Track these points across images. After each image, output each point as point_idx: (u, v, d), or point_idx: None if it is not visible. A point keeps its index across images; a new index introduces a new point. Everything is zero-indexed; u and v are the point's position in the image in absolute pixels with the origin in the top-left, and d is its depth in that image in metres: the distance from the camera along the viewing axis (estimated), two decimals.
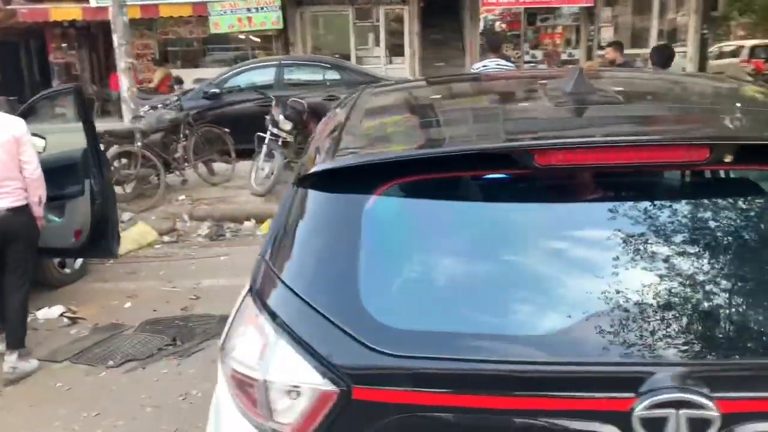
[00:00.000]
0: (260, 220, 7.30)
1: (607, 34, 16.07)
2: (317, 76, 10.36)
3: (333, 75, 10.39)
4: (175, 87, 12.30)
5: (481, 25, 16.50)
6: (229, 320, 1.52)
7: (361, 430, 1.20)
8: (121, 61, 7.70)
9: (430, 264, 1.32)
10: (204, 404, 3.60)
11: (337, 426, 1.20)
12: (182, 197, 7.83)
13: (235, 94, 10.15)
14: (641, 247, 1.25)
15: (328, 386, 1.20)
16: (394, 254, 1.33)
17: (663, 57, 6.57)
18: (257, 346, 1.29)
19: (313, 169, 1.38)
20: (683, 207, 1.33)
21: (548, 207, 1.33)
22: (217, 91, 10.06)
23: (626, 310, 1.20)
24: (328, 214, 1.37)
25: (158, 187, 7.57)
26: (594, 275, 1.24)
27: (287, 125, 7.90)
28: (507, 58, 8.22)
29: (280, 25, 14.47)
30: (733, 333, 1.20)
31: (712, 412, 1.09)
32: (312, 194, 1.41)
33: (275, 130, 7.83)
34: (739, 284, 1.26)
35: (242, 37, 16.10)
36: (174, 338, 4.31)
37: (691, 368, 1.13)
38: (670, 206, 1.33)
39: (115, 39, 7.70)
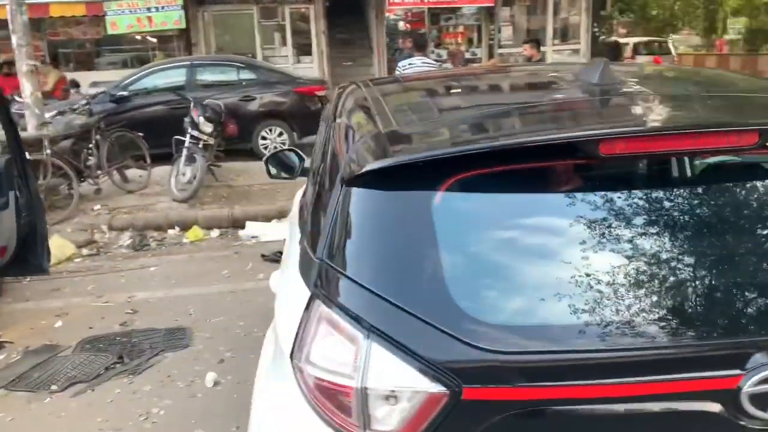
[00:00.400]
0: (185, 228, 7.03)
1: (506, 33, 16.68)
2: (231, 77, 10.08)
3: (248, 75, 10.15)
4: (72, 91, 11.58)
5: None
6: (285, 327, 1.42)
7: (467, 431, 1.17)
8: (23, 64, 7.13)
9: (508, 257, 1.31)
10: (168, 422, 3.43)
11: (442, 429, 1.17)
12: (98, 207, 7.40)
13: (145, 96, 9.69)
14: (713, 228, 1.31)
15: (437, 388, 1.16)
16: (472, 249, 1.31)
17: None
18: (346, 352, 1.22)
19: (373, 166, 1.33)
20: (738, 189, 1.40)
21: (612, 195, 1.36)
22: (126, 93, 9.58)
23: (719, 290, 1.25)
24: (395, 211, 1.33)
25: (71, 198, 7.10)
26: (678, 259, 1.27)
27: (208, 127, 7.66)
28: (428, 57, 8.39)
29: (183, 25, 13.96)
30: None
31: None
32: (369, 192, 1.36)
33: (195, 133, 7.56)
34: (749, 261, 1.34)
35: (139, 37, 15.40)
36: (120, 356, 4.06)
37: None
38: (725, 189, 1.40)
39: (14, 40, 7.12)
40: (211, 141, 7.75)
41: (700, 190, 1.39)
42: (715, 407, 1.17)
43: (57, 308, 4.91)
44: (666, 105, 1.60)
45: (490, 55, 16.31)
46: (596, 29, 16.61)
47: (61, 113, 7.55)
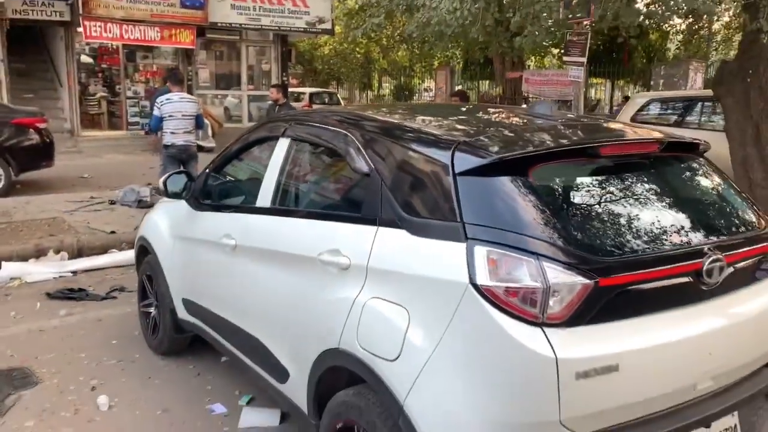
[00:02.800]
0: None
1: (204, 75, 17.19)
2: None
3: None
4: None
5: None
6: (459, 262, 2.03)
7: (600, 302, 1.97)
8: None
9: (586, 207, 2.21)
10: None
11: (587, 302, 1.94)
12: None
13: None
14: (655, 190, 2.41)
15: (588, 281, 1.94)
16: (566, 206, 2.16)
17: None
18: (524, 270, 1.92)
19: (502, 156, 2.11)
20: (648, 173, 2.48)
21: (607, 173, 2.35)
22: None
23: (681, 223, 2.31)
24: (509, 185, 2.10)
25: None
26: (646, 206, 2.31)
27: None
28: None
29: None
30: (723, 225, 2.46)
31: (724, 262, 2.25)
32: (499, 179, 2.12)
33: None
34: (692, 205, 2.48)
35: None
36: None
37: (715, 243, 2.27)
38: (643, 175, 2.47)
39: None
40: None
41: (653, 170, 2.49)
42: (690, 276, 2.17)
43: None
44: (603, 129, 2.69)
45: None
46: (285, 78, 18.22)
47: None
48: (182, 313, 4.08)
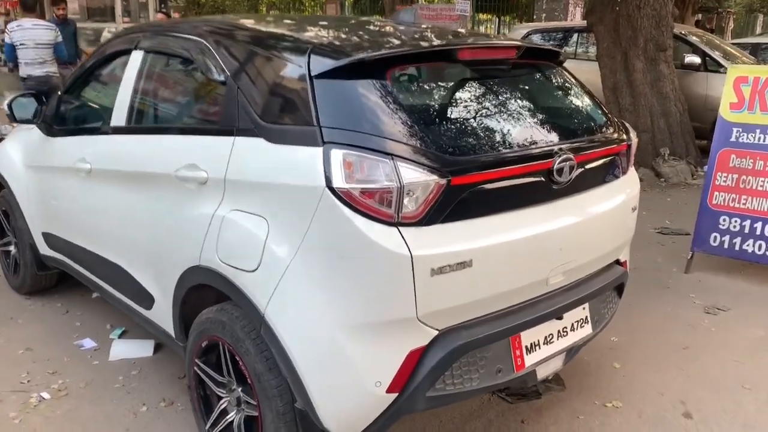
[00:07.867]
0: None
1: (72, 5, 15.82)
2: None
3: None
4: None
5: None
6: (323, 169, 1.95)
7: (454, 201, 1.97)
8: None
9: (444, 109, 2.20)
10: None
11: (441, 201, 1.94)
12: None
13: None
14: (511, 95, 2.44)
15: (441, 180, 1.93)
16: (424, 108, 2.13)
17: None
18: (379, 171, 1.86)
19: (359, 57, 2.03)
20: (505, 79, 2.50)
21: (464, 75, 2.34)
22: None
23: (535, 126, 2.35)
24: (365, 88, 2.02)
25: None
26: (500, 110, 2.33)
27: None
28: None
29: None
30: (575, 129, 2.52)
31: (574, 162, 2.32)
32: (349, 82, 2.03)
33: None
34: (546, 110, 2.53)
35: None
36: None
37: (566, 144, 2.31)
38: (501, 80, 2.49)
39: None
40: None
41: (511, 76, 2.52)
42: (543, 175, 2.21)
43: None
44: (463, 34, 2.66)
45: None
46: (164, 9, 17.15)
47: None
48: (44, 249, 3.82)
